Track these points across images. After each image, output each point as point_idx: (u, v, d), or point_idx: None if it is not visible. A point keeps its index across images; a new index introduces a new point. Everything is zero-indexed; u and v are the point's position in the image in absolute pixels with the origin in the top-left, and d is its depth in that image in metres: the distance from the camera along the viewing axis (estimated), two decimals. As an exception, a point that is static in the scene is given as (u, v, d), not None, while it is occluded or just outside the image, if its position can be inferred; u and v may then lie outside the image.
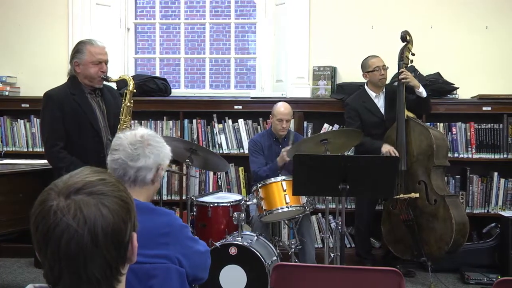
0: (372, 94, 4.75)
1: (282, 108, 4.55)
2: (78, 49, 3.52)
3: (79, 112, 3.48)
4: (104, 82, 3.62)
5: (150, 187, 2.15)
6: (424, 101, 4.66)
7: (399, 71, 4.59)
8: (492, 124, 5.03)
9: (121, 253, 1.13)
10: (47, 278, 1.12)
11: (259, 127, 5.24)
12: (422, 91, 4.60)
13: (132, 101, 3.62)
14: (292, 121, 4.98)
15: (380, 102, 4.76)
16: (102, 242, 1.09)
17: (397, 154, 4.42)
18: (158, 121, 5.29)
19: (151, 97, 5.26)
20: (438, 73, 5.14)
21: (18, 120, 5.34)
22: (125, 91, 3.60)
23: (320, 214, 5.15)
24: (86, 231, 1.07)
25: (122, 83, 4.09)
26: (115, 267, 1.13)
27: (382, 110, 4.74)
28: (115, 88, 4.15)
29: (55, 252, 1.08)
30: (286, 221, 4.37)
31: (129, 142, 2.12)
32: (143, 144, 2.12)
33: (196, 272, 2.15)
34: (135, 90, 3.66)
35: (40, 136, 4.89)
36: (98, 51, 3.52)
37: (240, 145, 5.22)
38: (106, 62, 3.56)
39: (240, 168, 5.23)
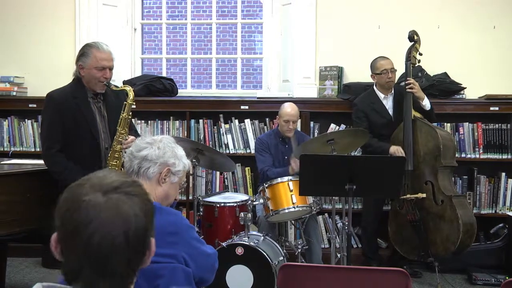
0: (380, 95, 4.74)
1: (289, 109, 4.54)
2: (84, 52, 3.46)
3: (79, 116, 3.43)
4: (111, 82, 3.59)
5: (156, 186, 2.14)
6: (427, 114, 4.62)
7: (406, 82, 4.55)
8: (499, 124, 5.01)
9: (141, 255, 1.14)
10: (67, 271, 1.11)
11: (265, 127, 5.24)
12: (425, 104, 4.56)
13: (131, 114, 3.51)
14: (299, 121, 4.97)
15: (388, 103, 4.74)
16: (131, 242, 1.09)
17: (403, 154, 4.42)
18: (165, 121, 5.29)
19: (158, 97, 5.27)
20: (445, 73, 5.12)
21: (26, 120, 5.36)
22: (125, 102, 3.49)
23: (326, 214, 5.15)
24: (121, 229, 1.07)
25: (128, 83, 4.07)
26: (134, 269, 1.14)
27: (391, 112, 4.72)
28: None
29: (83, 247, 1.07)
30: (293, 221, 4.37)
31: (142, 137, 2.21)
32: (154, 140, 2.17)
33: (202, 273, 2.15)
34: (134, 104, 3.53)
35: (39, 137, 4.92)
36: (104, 57, 3.44)
37: (246, 145, 5.22)
38: (110, 68, 3.48)
39: (247, 168, 5.23)
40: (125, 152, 3.32)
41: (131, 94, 3.50)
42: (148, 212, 1.13)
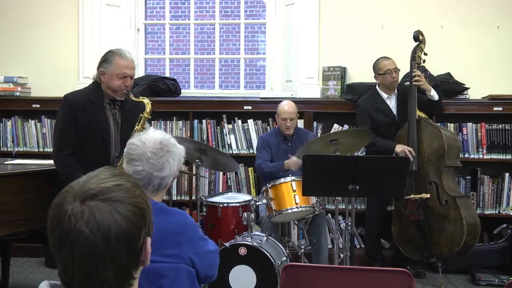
0: (384, 95, 4.73)
1: (286, 107, 4.55)
2: (106, 59, 3.45)
3: (93, 121, 3.44)
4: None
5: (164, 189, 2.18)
6: (436, 104, 4.63)
7: (412, 73, 4.55)
8: (503, 125, 4.99)
9: (133, 258, 1.14)
10: (61, 277, 1.13)
11: (268, 127, 5.23)
12: (433, 95, 4.56)
13: (145, 127, 3.50)
14: (302, 121, 4.97)
15: (392, 103, 4.73)
16: (114, 249, 1.09)
17: (413, 153, 4.40)
18: (168, 121, 5.30)
19: (161, 97, 5.27)
20: (448, 73, 5.11)
21: (29, 120, 5.37)
22: (141, 115, 3.47)
23: (330, 215, 5.13)
24: (99, 237, 1.08)
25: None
26: (127, 272, 1.14)
27: (394, 111, 4.71)
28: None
29: (68, 256, 1.09)
30: (296, 222, 4.37)
31: (151, 150, 2.08)
32: (163, 151, 2.10)
33: (207, 270, 2.19)
34: (150, 116, 3.51)
35: (51, 136, 4.96)
36: (126, 65, 3.43)
37: (249, 145, 5.22)
38: (131, 76, 3.48)
39: (250, 169, 5.22)
40: None
41: (148, 107, 3.48)
42: (132, 216, 1.12)
